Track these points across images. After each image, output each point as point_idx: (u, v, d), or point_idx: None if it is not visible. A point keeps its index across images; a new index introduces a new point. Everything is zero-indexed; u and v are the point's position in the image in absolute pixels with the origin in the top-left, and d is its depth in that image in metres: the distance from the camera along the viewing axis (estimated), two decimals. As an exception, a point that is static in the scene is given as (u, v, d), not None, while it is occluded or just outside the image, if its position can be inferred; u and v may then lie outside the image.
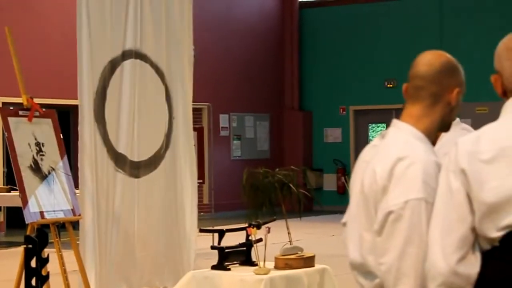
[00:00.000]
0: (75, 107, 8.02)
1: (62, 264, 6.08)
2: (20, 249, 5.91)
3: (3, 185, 13.72)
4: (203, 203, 15.35)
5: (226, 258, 6.28)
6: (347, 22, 19.61)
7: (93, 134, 7.38)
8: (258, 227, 6.32)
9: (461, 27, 18.19)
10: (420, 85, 2.54)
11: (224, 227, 6.95)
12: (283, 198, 8.42)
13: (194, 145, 8.73)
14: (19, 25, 13.42)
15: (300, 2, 20.24)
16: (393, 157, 2.43)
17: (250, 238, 6.29)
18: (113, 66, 7.62)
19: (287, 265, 6.23)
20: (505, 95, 2.41)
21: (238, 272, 6.20)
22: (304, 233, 12.94)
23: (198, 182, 8.96)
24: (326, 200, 18.36)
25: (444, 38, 18.09)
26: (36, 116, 6.41)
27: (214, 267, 6.28)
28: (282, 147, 19.94)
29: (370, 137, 19.60)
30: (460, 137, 2.39)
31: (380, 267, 2.40)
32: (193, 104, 8.55)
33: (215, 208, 15.21)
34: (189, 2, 8.45)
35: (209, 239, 9.55)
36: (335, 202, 18.34)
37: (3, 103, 13.67)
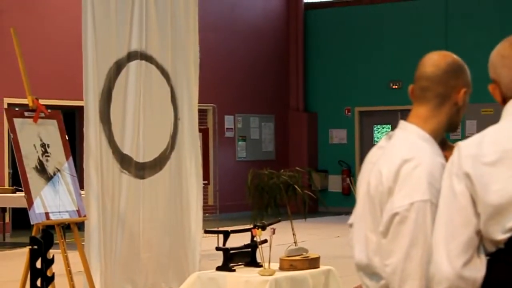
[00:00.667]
0: (81, 108, 8.03)
1: (67, 265, 6.08)
2: (26, 250, 5.92)
3: (9, 186, 13.75)
4: (208, 204, 15.34)
5: (231, 259, 6.28)
6: (352, 23, 19.59)
7: (99, 135, 7.39)
8: (263, 228, 6.32)
9: (466, 29, 18.17)
10: (426, 86, 2.53)
11: (229, 228, 6.95)
12: (288, 199, 8.42)
13: (199, 146, 8.73)
14: (24, 26, 13.44)
15: (305, 3, 20.24)
16: (399, 158, 2.42)
17: (255, 239, 6.29)
18: (118, 67, 7.63)
19: (292, 266, 6.22)
20: (505, 103, 2.41)
21: (243, 273, 6.20)
22: (309, 234, 12.94)
23: (203, 183, 8.96)
24: (331, 201, 18.35)
25: (449, 39, 18.07)
26: (41, 117, 6.42)
27: (219, 268, 6.28)
28: (287, 148, 19.93)
29: (375, 138, 19.58)
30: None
31: (386, 268, 2.39)
32: (198, 105, 8.55)
33: (220, 209, 15.21)
34: (195, 4, 8.46)
35: (214, 240, 9.56)
36: (340, 204, 18.32)
37: (9, 104, 13.69)
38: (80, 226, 7.72)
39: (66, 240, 6.39)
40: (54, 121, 6.55)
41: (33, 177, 6.18)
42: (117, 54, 7.62)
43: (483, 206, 2.26)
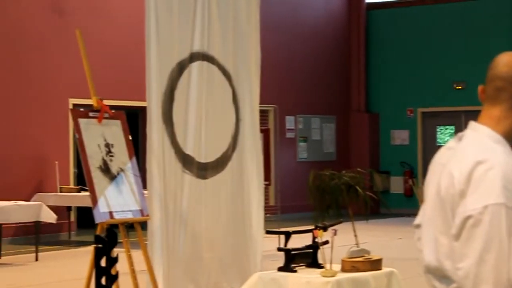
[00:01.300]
0: (144, 109, 8.12)
1: (131, 264, 6.15)
2: (90, 248, 6.01)
3: (74, 186, 13.98)
4: (269, 204, 15.37)
5: (292, 260, 6.28)
6: (415, 23, 19.41)
7: (161, 135, 7.45)
8: (325, 229, 6.30)
9: (532, 28, 17.84)
10: (500, 87, 2.49)
11: (290, 229, 6.94)
12: (350, 200, 8.39)
13: (261, 146, 8.74)
14: (88, 28, 13.65)
15: (367, 3, 20.12)
16: (471, 160, 2.38)
17: (316, 240, 6.27)
18: (181, 68, 7.68)
19: (354, 268, 6.19)
20: None
21: (304, 274, 6.18)
22: (371, 236, 12.85)
23: (264, 184, 8.97)
24: (393, 203, 18.19)
25: (515, 39, 17.75)
26: (105, 118, 6.50)
27: (280, 269, 6.28)
28: (348, 149, 19.84)
29: (438, 140, 19.35)
30: None
31: (458, 272, 2.36)
32: (259, 106, 8.57)
33: (281, 210, 15.21)
34: (256, 4, 8.47)
35: (275, 241, 9.55)
36: (402, 205, 18.16)
37: (74, 105, 13.92)
38: (143, 225, 7.80)
39: (130, 239, 6.45)
40: (118, 122, 6.63)
41: (97, 177, 6.26)
42: (179, 55, 7.67)
43: None
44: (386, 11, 19.97)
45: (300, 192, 15.16)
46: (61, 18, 14.14)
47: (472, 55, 18.12)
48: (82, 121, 6.35)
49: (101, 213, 6.16)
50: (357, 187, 8.35)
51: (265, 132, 12.98)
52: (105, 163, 6.37)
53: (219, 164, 8.03)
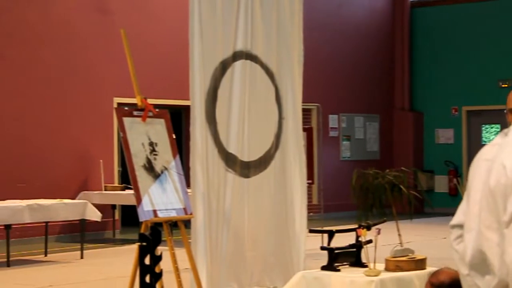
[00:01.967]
0: (187, 108, 8.15)
1: (175, 262, 6.18)
2: (135, 247, 6.05)
3: (118, 184, 14.10)
4: (312, 203, 15.33)
5: (335, 259, 6.26)
6: (459, 21, 19.22)
7: (204, 134, 7.48)
8: (368, 228, 6.27)
9: None
10: None
11: (334, 228, 6.92)
12: (394, 199, 8.34)
13: (304, 145, 8.73)
14: (133, 27, 13.75)
15: (411, 1, 19.98)
16: None
17: (360, 239, 6.24)
18: (224, 67, 7.70)
19: (398, 267, 6.15)
20: None
21: (347, 273, 6.16)
22: (415, 235, 12.76)
23: (307, 183, 8.95)
24: (438, 202, 18.04)
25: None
26: (149, 117, 6.54)
27: (323, 268, 6.26)
28: (392, 148, 19.72)
29: (483, 138, 19.14)
30: None
31: (505, 257, 2.37)
32: (302, 105, 8.55)
33: (324, 209, 15.17)
34: (300, 2, 8.46)
35: (318, 240, 9.54)
36: (446, 204, 17.99)
37: (118, 104, 14.04)
38: (187, 224, 7.84)
39: (173, 238, 6.49)
40: (162, 120, 6.67)
41: (141, 175, 6.31)
42: (222, 54, 7.69)
43: None
44: (430, 9, 19.80)
45: (343, 191, 15.10)
46: (106, 17, 14.27)
47: (518, 53, 17.89)
48: (126, 120, 6.40)
49: (145, 212, 6.20)
50: (401, 186, 8.30)
51: (308, 131, 12.95)
52: (149, 161, 6.42)
53: (262, 162, 8.03)
